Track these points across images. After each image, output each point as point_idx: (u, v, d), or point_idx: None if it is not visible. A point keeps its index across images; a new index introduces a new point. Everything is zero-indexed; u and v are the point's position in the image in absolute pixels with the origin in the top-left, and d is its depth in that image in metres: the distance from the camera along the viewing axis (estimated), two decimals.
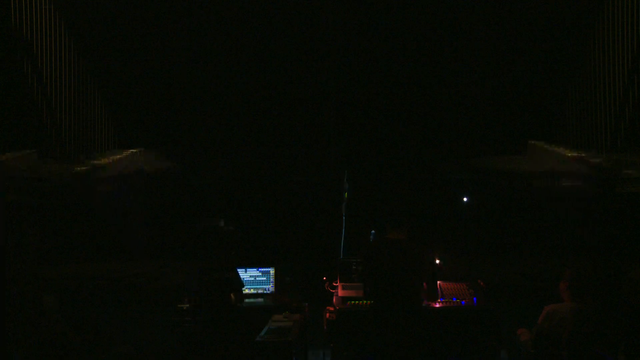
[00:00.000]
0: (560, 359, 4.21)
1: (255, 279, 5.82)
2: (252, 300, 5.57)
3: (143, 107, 7.21)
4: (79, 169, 6.36)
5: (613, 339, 3.98)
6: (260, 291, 5.79)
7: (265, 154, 7.58)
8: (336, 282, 5.42)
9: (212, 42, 7.17)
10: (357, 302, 5.09)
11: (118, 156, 6.95)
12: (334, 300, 5.21)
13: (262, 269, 5.86)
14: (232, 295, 4.82)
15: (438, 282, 5.24)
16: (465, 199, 7.09)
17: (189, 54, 7.20)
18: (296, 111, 7.53)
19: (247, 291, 5.69)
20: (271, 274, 5.86)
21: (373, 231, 5.40)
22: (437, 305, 4.94)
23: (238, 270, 5.22)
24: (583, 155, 6.53)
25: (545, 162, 6.98)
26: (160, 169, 7.08)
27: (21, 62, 6.02)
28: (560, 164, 6.88)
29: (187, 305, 4.98)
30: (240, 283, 4.91)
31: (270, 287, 5.82)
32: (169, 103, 7.29)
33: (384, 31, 7.06)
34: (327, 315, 5.03)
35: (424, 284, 4.55)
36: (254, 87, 7.47)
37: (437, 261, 5.55)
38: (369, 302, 5.03)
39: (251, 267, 5.83)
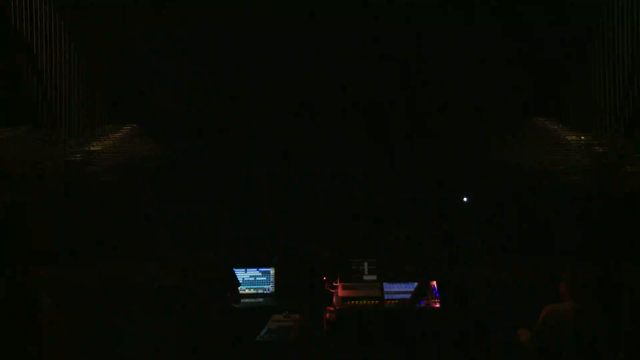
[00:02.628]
0: (560, 358, 4.21)
1: (255, 279, 5.82)
2: (252, 300, 5.57)
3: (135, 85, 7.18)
4: (73, 157, 6.32)
5: (613, 340, 3.97)
6: (260, 291, 5.79)
7: (264, 148, 7.56)
8: (336, 282, 5.42)
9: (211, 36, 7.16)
10: (357, 302, 5.09)
11: (114, 137, 6.90)
12: (334, 300, 5.21)
13: (262, 269, 5.85)
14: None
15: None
16: (465, 199, 7.09)
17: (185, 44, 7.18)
18: (297, 102, 7.50)
19: (247, 291, 5.69)
20: (271, 274, 5.85)
21: None
22: (437, 305, 4.94)
23: (238, 270, 5.21)
24: (583, 137, 6.47)
25: (547, 147, 6.95)
26: (154, 155, 7.06)
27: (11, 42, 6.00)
28: (563, 151, 6.83)
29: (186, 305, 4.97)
30: (236, 282, 4.89)
31: (270, 287, 5.82)
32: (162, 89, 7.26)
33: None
34: (327, 315, 5.03)
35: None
36: (254, 78, 7.45)
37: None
38: (371, 302, 5.04)
39: (251, 267, 5.82)
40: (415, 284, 5.34)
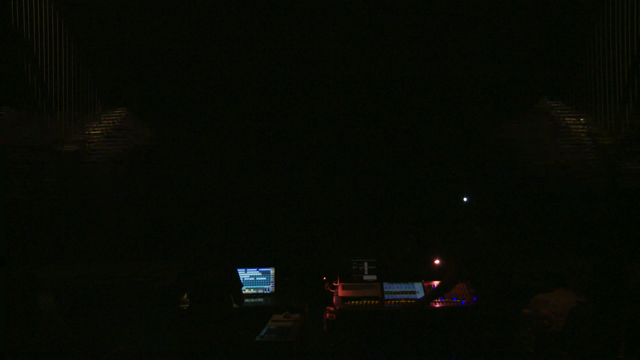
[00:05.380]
0: (560, 358, 4.20)
1: (255, 279, 5.81)
2: (252, 300, 5.56)
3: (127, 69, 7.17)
4: (68, 147, 6.34)
5: (613, 338, 3.96)
6: (260, 291, 5.78)
7: (262, 147, 7.56)
8: (336, 282, 5.42)
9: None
10: (357, 302, 5.09)
11: (107, 121, 6.91)
12: (334, 300, 5.20)
13: (262, 269, 5.85)
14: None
15: (438, 281, 5.23)
16: (465, 199, 7.08)
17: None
18: (296, 102, 7.50)
19: (247, 291, 5.68)
20: (271, 274, 5.84)
21: None
22: (437, 305, 4.94)
23: (238, 270, 5.18)
24: (582, 121, 6.47)
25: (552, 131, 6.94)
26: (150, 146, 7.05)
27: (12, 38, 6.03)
28: (568, 138, 6.82)
29: (187, 305, 4.96)
30: (238, 284, 4.86)
31: (270, 287, 5.81)
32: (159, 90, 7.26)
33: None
34: (327, 315, 5.03)
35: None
36: (251, 76, 7.44)
37: (437, 261, 5.55)
38: (371, 302, 5.03)
39: (251, 267, 5.82)
40: (415, 283, 5.35)
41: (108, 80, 7.23)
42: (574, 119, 6.86)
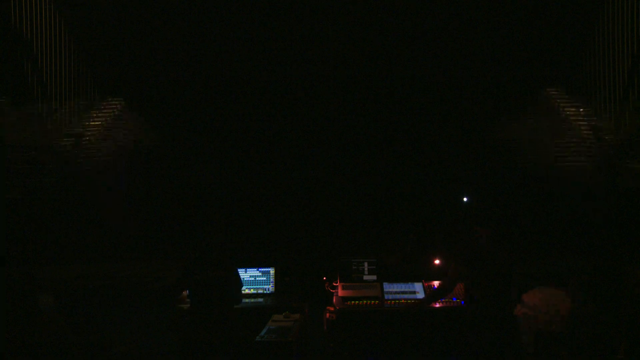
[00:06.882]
0: (560, 358, 4.21)
1: (255, 279, 5.82)
2: (252, 300, 5.57)
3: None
4: (65, 142, 6.35)
5: (613, 338, 3.96)
6: (260, 291, 5.79)
7: (262, 146, 7.55)
8: (336, 282, 5.43)
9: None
10: (357, 302, 5.09)
11: (106, 112, 6.91)
12: (334, 300, 5.21)
13: (262, 269, 5.85)
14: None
15: (438, 281, 5.24)
16: (465, 199, 7.08)
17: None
18: (295, 98, 7.49)
19: (247, 291, 5.69)
20: (271, 274, 5.85)
21: None
22: (437, 305, 4.94)
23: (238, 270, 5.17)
24: (582, 110, 6.48)
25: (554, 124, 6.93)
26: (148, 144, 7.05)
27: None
28: (570, 133, 6.82)
29: (187, 305, 4.96)
30: (239, 283, 4.86)
31: (270, 287, 5.82)
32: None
33: None
34: (327, 315, 5.04)
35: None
36: (251, 76, 7.44)
37: (437, 261, 5.56)
38: (371, 302, 5.04)
39: (251, 267, 5.82)
40: (415, 283, 5.35)
41: (108, 80, 7.24)
42: (574, 110, 6.87)
